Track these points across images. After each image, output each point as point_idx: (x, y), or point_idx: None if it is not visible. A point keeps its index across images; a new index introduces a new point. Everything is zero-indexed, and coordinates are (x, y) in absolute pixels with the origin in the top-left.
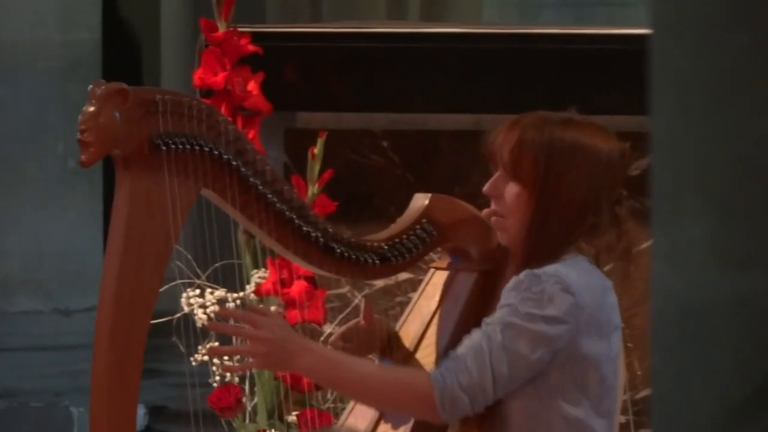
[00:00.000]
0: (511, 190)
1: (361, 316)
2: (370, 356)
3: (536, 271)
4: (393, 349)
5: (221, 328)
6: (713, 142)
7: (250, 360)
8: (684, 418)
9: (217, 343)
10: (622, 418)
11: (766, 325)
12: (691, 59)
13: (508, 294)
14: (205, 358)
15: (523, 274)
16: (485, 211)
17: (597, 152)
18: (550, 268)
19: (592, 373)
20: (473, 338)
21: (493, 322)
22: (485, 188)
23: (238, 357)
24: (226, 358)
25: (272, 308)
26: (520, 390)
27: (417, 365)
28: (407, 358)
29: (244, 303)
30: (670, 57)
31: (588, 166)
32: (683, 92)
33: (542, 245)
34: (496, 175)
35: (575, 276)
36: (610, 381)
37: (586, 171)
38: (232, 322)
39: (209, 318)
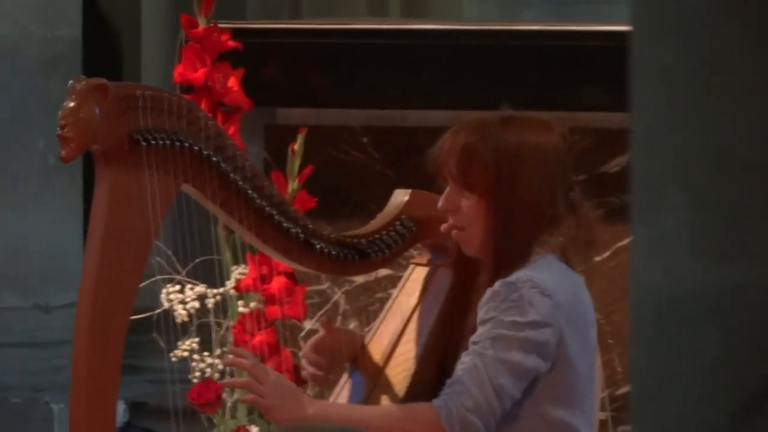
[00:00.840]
0: (466, 202)
1: (322, 332)
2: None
3: (509, 279)
4: (364, 358)
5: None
6: (693, 134)
7: (259, 399)
8: (662, 411)
9: (197, 339)
10: (602, 415)
11: (745, 318)
12: (672, 51)
13: (486, 307)
14: (185, 354)
15: (497, 285)
16: (444, 227)
17: (542, 145)
18: (523, 274)
19: (571, 372)
20: (466, 360)
21: (480, 339)
22: (440, 205)
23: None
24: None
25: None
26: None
27: (389, 374)
28: (379, 365)
29: (225, 302)
30: (651, 49)
31: (536, 160)
32: (664, 84)
33: (509, 249)
34: (448, 189)
35: (547, 277)
36: (587, 377)
37: (535, 166)
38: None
39: (189, 314)
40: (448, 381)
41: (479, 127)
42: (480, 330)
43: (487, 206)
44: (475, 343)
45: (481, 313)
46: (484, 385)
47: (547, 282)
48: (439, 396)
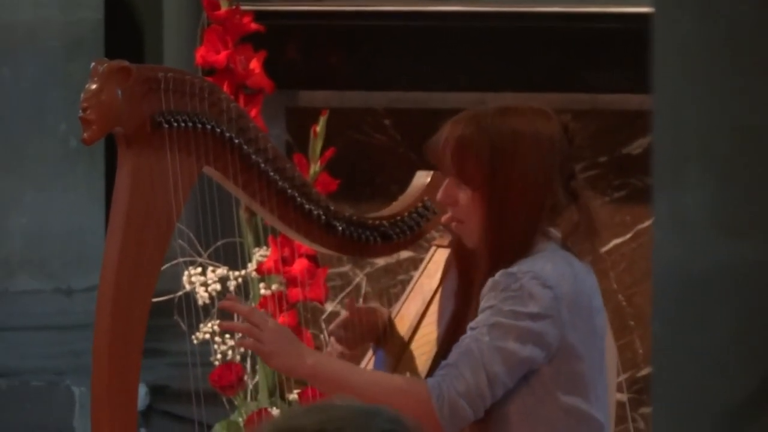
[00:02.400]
0: (464, 194)
1: (346, 311)
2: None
3: (511, 269)
4: (388, 338)
5: (236, 308)
6: (714, 111)
7: (258, 345)
8: (683, 384)
9: (218, 322)
10: (621, 397)
11: (766, 293)
12: (693, 27)
13: (487, 296)
14: (207, 336)
15: (498, 275)
16: (444, 219)
17: (538, 135)
18: (525, 265)
19: (579, 360)
20: (462, 344)
21: (478, 324)
22: (438, 197)
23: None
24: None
25: (262, 291)
26: (514, 390)
27: (411, 355)
28: (402, 346)
29: (247, 284)
30: (673, 24)
31: (533, 151)
32: (684, 62)
33: (508, 242)
34: (446, 181)
35: (550, 268)
36: (598, 364)
37: (531, 157)
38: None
39: (211, 296)
40: (443, 362)
41: (474, 120)
42: (479, 317)
43: (484, 200)
44: (473, 328)
45: (483, 302)
46: (478, 372)
47: (548, 273)
48: (435, 376)
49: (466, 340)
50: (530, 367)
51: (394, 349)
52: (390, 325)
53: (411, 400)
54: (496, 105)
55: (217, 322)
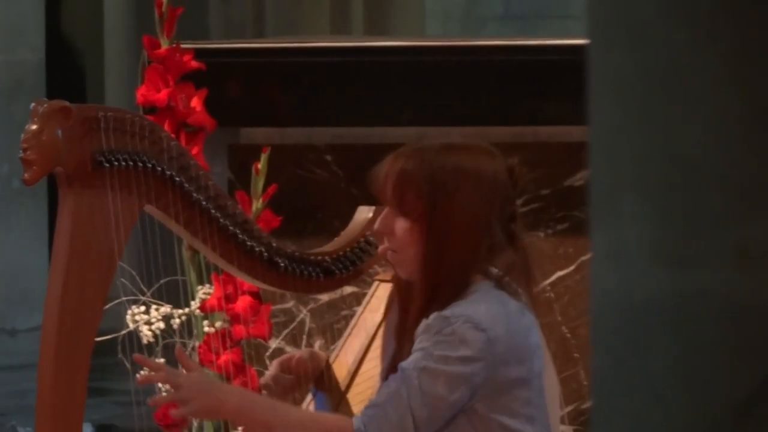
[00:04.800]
0: (401, 225)
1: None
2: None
3: (444, 312)
4: (329, 377)
5: (149, 364)
6: (650, 142)
7: (180, 409)
8: (622, 418)
9: (163, 360)
10: (565, 429)
11: (705, 324)
12: (627, 59)
13: (420, 338)
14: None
15: (432, 318)
16: (380, 249)
17: (481, 174)
18: (458, 308)
19: (516, 397)
20: (391, 385)
21: (408, 367)
22: (375, 227)
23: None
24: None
25: (205, 329)
26: (456, 425)
27: (355, 392)
28: (345, 383)
29: (191, 322)
30: (606, 57)
31: (473, 189)
32: (619, 93)
33: (442, 279)
34: (385, 211)
35: (484, 309)
36: (536, 401)
37: (472, 195)
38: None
39: (155, 335)
40: (371, 401)
41: (418, 153)
42: (410, 357)
43: (420, 233)
44: (403, 369)
45: (416, 342)
46: (405, 415)
47: (482, 315)
48: (361, 416)
49: (395, 381)
50: (458, 409)
51: (335, 388)
52: (328, 367)
53: None
54: (441, 141)
55: (163, 360)
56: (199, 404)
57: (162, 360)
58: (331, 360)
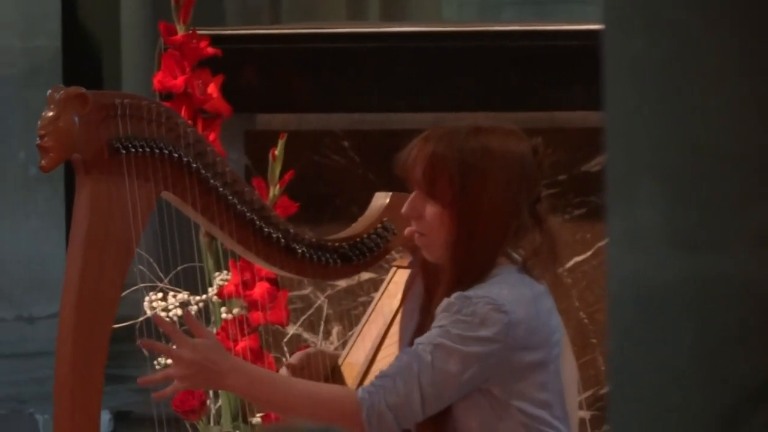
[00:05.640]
0: (431, 210)
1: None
2: None
3: (467, 293)
4: (336, 381)
5: (153, 346)
6: (667, 126)
7: (176, 383)
8: (640, 401)
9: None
10: (582, 414)
11: (721, 306)
12: (643, 43)
13: (440, 315)
14: (169, 361)
15: (454, 297)
16: (407, 231)
17: (509, 156)
18: (481, 290)
19: (535, 381)
20: (403, 358)
21: (423, 342)
22: (404, 210)
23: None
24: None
25: (223, 315)
26: (474, 405)
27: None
28: (360, 373)
29: (208, 309)
30: (623, 41)
31: (502, 172)
32: (635, 78)
33: (471, 262)
34: (413, 195)
35: (506, 292)
36: (553, 385)
37: (501, 178)
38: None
39: (173, 322)
40: (381, 372)
41: (447, 136)
42: (427, 333)
43: (450, 217)
44: (419, 344)
45: (435, 320)
46: (413, 389)
47: (505, 298)
48: (366, 387)
49: (408, 354)
50: (469, 389)
51: (353, 376)
52: (335, 365)
53: (339, 411)
54: (467, 123)
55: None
56: (195, 380)
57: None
58: (347, 347)
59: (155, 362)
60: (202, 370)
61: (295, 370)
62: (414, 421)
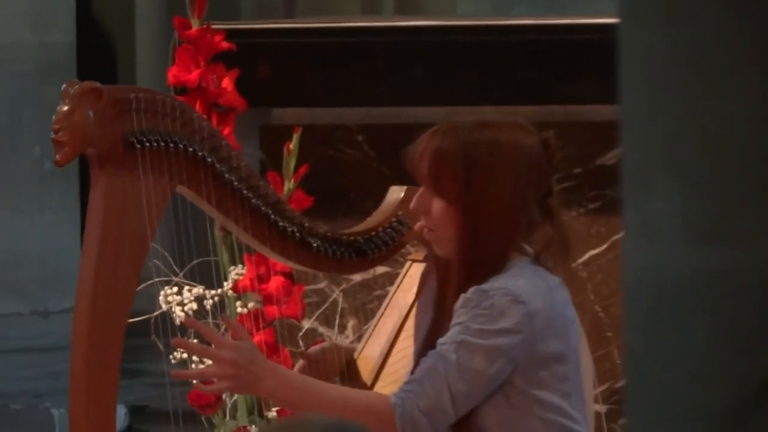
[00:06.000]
0: (437, 205)
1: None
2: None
3: (483, 286)
4: (351, 375)
5: (188, 346)
6: (681, 119)
7: (215, 382)
8: (656, 394)
9: (196, 341)
10: (598, 407)
11: (737, 299)
12: (659, 36)
13: (458, 312)
14: (184, 356)
15: (471, 291)
16: (417, 226)
17: (516, 149)
18: (497, 282)
19: (554, 372)
20: (428, 360)
21: (446, 341)
22: (411, 206)
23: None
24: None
25: (238, 310)
26: (493, 402)
27: (389, 372)
28: (378, 364)
29: (223, 303)
30: (638, 34)
31: (509, 166)
32: (650, 70)
33: (482, 256)
34: (420, 190)
35: (523, 283)
36: (573, 375)
37: (508, 172)
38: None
39: (188, 316)
40: (409, 377)
41: (453, 131)
42: (448, 332)
43: (457, 212)
44: (441, 344)
45: (454, 317)
46: (442, 390)
47: (521, 288)
48: (399, 391)
49: (432, 356)
50: (497, 384)
51: (360, 377)
52: (351, 359)
53: (372, 417)
54: (474, 118)
55: (196, 341)
56: (237, 382)
57: (195, 341)
58: (363, 341)
59: (171, 357)
60: (242, 372)
61: (311, 361)
62: (447, 422)
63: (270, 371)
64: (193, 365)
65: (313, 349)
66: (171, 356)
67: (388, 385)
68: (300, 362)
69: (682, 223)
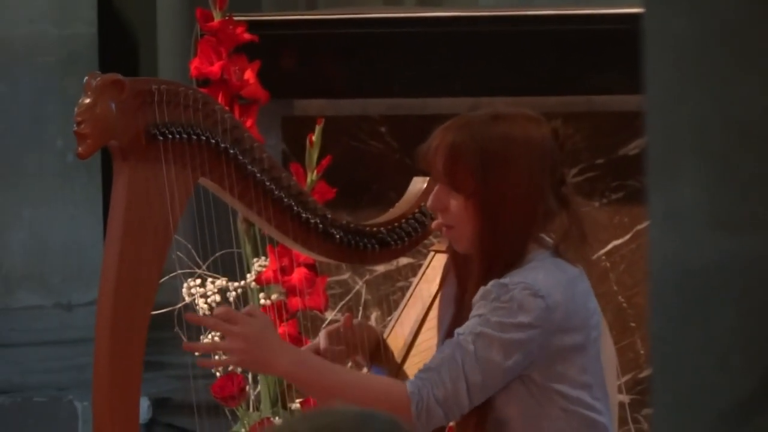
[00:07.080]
0: (455, 202)
1: (342, 322)
2: (361, 361)
3: (503, 280)
4: (386, 349)
5: (200, 320)
6: (706, 105)
7: (227, 356)
8: (682, 381)
9: (219, 333)
10: (621, 398)
11: (763, 287)
12: (685, 21)
13: (478, 304)
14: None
15: (491, 285)
16: (434, 224)
17: (529, 141)
18: (517, 276)
19: (574, 364)
20: (445, 350)
21: (464, 332)
22: (428, 204)
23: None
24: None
25: (261, 301)
26: (514, 393)
27: (412, 363)
28: (400, 357)
29: (246, 295)
30: (663, 20)
31: (523, 157)
32: (676, 56)
33: (501, 249)
34: (437, 188)
35: (542, 277)
36: (593, 367)
37: (523, 164)
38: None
39: (211, 308)
40: (426, 365)
41: (466, 126)
42: (467, 323)
43: (475, 208)
44: (459, 334)
45: (473, 309)
46: (458, 380)
47: (541, 282)
48: (415, 379)
49: (450, 345)
50: (513, 376)
51: (393, 360)
52: (383, 341)
53: (389, 404)
54: (486, 111)
55: (219, 333)
56: (248, 357)
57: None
58: (387, 332)
59: (201, 338)
60: (255, 346)
61: (332, 337)
62: (461, 412)
63: (284, 350)
64: (216, 357)
65: (355, 321)
66: (201, 337)
67: (412, 376)
68: (312, 342)
69: (708, 210)
